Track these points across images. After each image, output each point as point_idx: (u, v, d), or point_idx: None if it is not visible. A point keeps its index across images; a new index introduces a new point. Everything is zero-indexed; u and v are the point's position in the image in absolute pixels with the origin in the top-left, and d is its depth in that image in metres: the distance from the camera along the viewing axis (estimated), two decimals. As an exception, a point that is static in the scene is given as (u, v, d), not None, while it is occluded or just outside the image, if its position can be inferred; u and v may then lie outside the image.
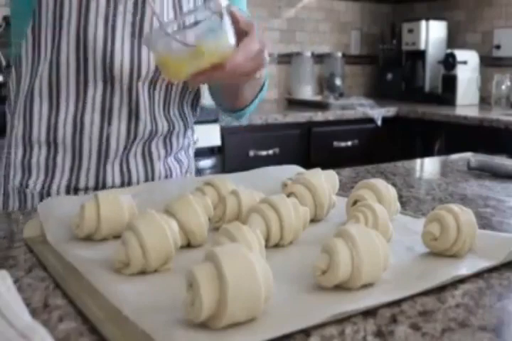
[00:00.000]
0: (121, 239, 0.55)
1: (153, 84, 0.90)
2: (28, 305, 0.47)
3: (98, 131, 0.88)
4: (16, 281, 0.52)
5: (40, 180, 0.89)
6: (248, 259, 0.44)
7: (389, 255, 0.52)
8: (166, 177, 0.96)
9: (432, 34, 2.95)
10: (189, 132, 1.02)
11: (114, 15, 0.85)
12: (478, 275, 0.55)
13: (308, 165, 1.09)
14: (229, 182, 0.76)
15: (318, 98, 2.89)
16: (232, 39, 0.68)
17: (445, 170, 1.16)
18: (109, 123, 0.88)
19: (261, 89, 0.96)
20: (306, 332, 0.43)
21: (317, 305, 0.47)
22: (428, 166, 1.28)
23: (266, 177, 0.84)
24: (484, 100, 2.83)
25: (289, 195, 0.72)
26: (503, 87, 2.70)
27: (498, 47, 2.91)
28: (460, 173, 1.08)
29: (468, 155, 1.28)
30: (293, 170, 0.88)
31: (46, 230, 0.64)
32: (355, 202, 0.71)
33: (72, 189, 0.89)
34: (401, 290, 0.50)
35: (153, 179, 0.94)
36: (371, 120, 2.45)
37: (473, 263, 0.57)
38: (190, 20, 0.83)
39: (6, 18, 2.17)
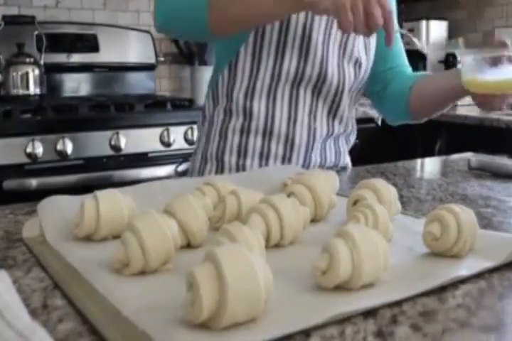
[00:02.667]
0: (121, 239, 0.54)
1: (350, 92, 1.10)
2: (27, 305, 0.47)
3: (307, 126, 1.07)
4: (15, 282, 0.52)
5: (255, 162, 1.06)
6: (248, 259, 0.43)
7: (389, 255, 0.52)
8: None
9: (433, 34, 2.95)
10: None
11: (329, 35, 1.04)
12: (479, 275, 0.55)
13: (308, 165, 1.09)
14: (229, 182, 0.76)
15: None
16: None
17: (446, 170, 1.16)
18: (315, 121, 1.08)
19: None
20: (306, 332, 0.43)
21: (317, 305, 0.47)
22: (428, 166, 1.27)
23: (266, 177, 0.84)
24: (485, 100, 2.83)
25: (289, 195, 0.72)
26: (504, 86, 2.69)
27: (498, 46, 2.91)
28: (461, 173, 1.08)
29: (468, 155, 1.28)
30: (293, 170, 0.87)
31: (45, 230, 0.63)
32: (355, 202, 0.70)
33: None
34: (401, 290, 0.50)
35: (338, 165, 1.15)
36: (371, 120, 2.45)
37: (473, 264, 0.56)
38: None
39: (5, 18, 2.17)
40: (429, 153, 2.35)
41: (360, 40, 1.08)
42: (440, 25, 2.99)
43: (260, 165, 1.06)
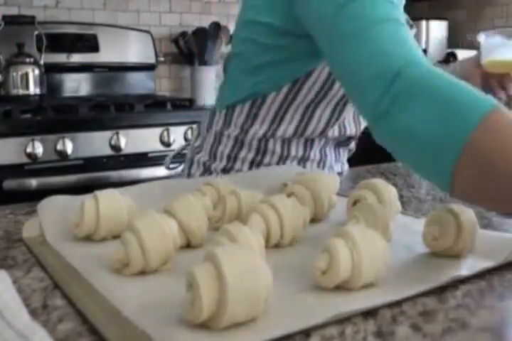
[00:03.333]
0: (121, 239, 0.54)
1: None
2: (27, 305, 0.47)
3: (303, 145, 1.02)
4: (15, 282, 0.52)
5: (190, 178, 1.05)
6: (248, 259, 0.43)
7: (389, 255, 0.52)
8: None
9: (433, 33, 2.95)
10: None
11: None
12: (479, 275, 0.55)
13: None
14: (229, 182, 0.76)
15: (318, 98, 2.89)
16: None
17: (445, 169, 1.16)
18: (326, 156, 1.05)
19: None
20: (306, 332, 0.43)
21: (317, 305, 0.47)
22: (428, 166, 1.27)
23: (266, 177, 0.84)
24: (485, 100, 2.83)
25: (289, 195, 0.72)
26: (504, 86, 2.69)
27: (498, 46, 2.91)
28: (460, 173, 1.08)
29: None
30: (293, 170, 0.87)
31: (45, 230, 0.63)
32: (355, 202, 0.70)
33: None
34: (401, 290, 0.50)
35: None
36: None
37: (474, 264, 0.56)
38: None
39: (5, 18, 2.17)
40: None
41: None
42: (440, 25, 2.98)
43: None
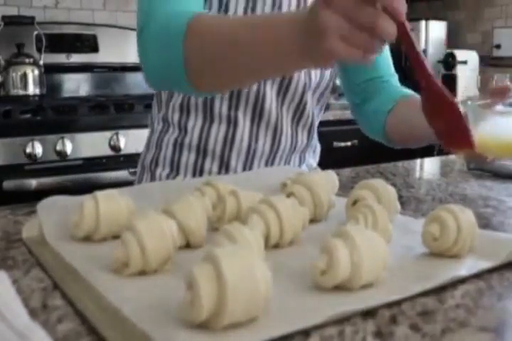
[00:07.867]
0: (121, 239, 0.54)
1: (296, 106, 1.02)
2: (26, 305, 0.47)
3: (246, 146, 0.99)
4: (14, 282, 0.52)
5: (188, 178, 0.98)
6: (247, 260, 0.43)
7: (388, 255, 0.52)
8: None
9: (432, 34, 2.95)
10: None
11: None
12: (478, 275, 0.55)
13: (308, 165, 1.09)
14: (228, 182, 0.76)
15: (318, 98, 2.89)
16: None
17: (445, 170, 1.16)
18: (256, 141, 1.00)
19: None
20: (306, 332, 0.43)
21: (316, 305, 0.47)
22: (428, 166, 1.27)
23: (265, 178, 0.84)
24: (484, 100, 2.83)
25: (288, 195, 0.72)
26: (503, 86, 2.69)
27: (498, 46, 2.91)
28: (460, 173, 1.08)
29: (468, 155, 1.28)
30: (292, 170, 0.88)
31: (45, 230, 0.63)
32: (354, 203, 0.70)
33: None
34: (401, 290, 0.50)
35: None
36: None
37: (473, 264, 0.56)
38: None
39: (4, 18, 2.17)
40: (429, 153, 2.35)
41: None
42: (439, 26, 2.99)
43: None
